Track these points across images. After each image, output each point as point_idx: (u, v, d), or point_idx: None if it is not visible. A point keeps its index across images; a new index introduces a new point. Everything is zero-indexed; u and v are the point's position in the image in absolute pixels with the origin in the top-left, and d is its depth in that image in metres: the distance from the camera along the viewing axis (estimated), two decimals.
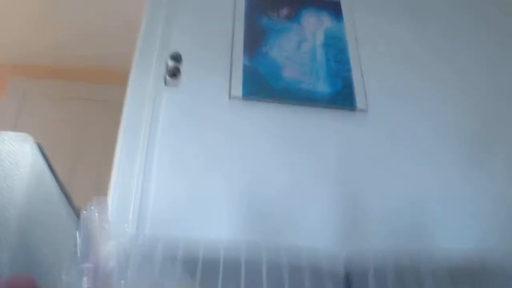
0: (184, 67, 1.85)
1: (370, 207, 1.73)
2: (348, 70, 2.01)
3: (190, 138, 1.72)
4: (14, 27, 2.97)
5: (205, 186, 1.62)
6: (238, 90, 1.83)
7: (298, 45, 2.03)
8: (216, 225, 1.55)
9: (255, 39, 2.00)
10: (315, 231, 1.64)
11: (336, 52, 2.05)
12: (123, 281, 1.24)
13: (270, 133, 1.80)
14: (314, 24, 2.13)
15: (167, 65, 1.84)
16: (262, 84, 1.87)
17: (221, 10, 2.08)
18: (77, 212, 1.27)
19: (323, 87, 1.92)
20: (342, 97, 1.92)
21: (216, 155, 1.70)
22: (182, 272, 1.37)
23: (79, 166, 2.96)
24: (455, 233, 1.70)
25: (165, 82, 1.83)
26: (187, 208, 1.57)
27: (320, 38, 2.08)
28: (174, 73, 1.82)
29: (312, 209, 1.68)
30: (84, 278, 1.20)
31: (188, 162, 1.66)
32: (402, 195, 1.77)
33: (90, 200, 1.26)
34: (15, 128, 3.12)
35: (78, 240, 1.20)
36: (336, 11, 2.19)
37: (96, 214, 1.25)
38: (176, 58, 1.84)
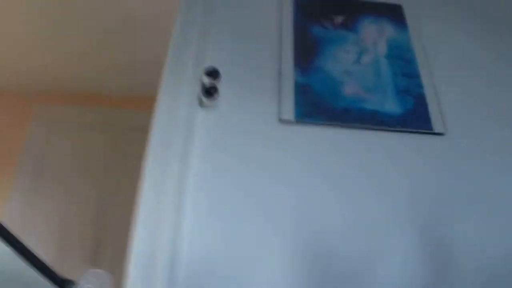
0: (222, 87, 1.55)
1: (458, 253, 1.35)
2: (419, 85, 1.66)
3: (233, 173, 1.38)
4: (40, 55, 2.79)
5: (252, 239, 1.26)
6: (289, 112, 1.49)
7: (357, 57, 1.69)
8: (267, 279, 1.20)
9: (307, 51, 1.67)
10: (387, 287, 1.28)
11: (403, 65, 1.71)
12: None
13: (329, 163, 1.45)
14: (374, 33, 1.80)
15: (201, 83, 1.54)
16: (318, 104, 1.53)
17: (264, 20, 1.76)
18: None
19: (391, 107, 1.57)
20: (414, 118, 1.57)
21: (267, 196, 1.35)
22: None
23: (109, 202, 2.74)
24: None
25: (200, 103, 1.52)
26: (228, 264, 1.22)
27: (382, 48, 1.74)
28: (210, 91, 1.51)
29: (383, 258, 1.32)
30: None
31: (230, 207, 1.31)
32: (499, 237, 1.39)
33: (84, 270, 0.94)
34: (43, 158, 2.94)
35: None
36: (398, 18, 1.86)
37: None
38: (213, 74, 1.54)
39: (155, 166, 1.37)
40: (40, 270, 0.84)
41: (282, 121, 1.50)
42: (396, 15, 1.88)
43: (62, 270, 1.15)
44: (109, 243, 2.63)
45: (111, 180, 2.80)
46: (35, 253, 0.84)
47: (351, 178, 1.44)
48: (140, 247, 1.22)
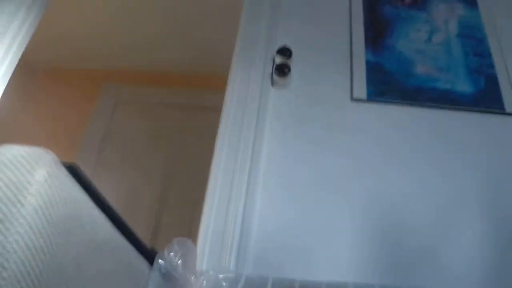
0: (294, 66, 1.58)
1: None
2: (491, 65, 1.64)
3: (304, 152, 1.42)
4: (107, 33, 2.88)
5: (323, 215, 1.30)
6: (362, 91, 1.52)
7: (428, 36, 1.68)
8: (338, 267, 1.24)
9: (378, 30, 1.68)
10: (462, 273, 1.29)
11: (475, 44, 1.69)
12: None
13: (399, 142, 1.46)
14: (444, 12, 1.78)
15: (273, 62, 1.58)
16: (390, 83, 1.55)
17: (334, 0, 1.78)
18: (150, 256, 0.98)
19: (463, 86, 1.57)
20: (486, 98, 1.55)
21: (338, 173, 1.38)
22: None
23: (174, 180, 2.81)
24: None
25: (272, 82, 1.56)
26: (298, 238, 1.27)
27: (453, 27, 1.73)
28: (282, 70, 1.55)
29: (452, 233, 1.33)
30: None
31: (301, 184, 1.35)
32: None
33: (170, 241, 0.99)
34: (106, 137, 3.03)
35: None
36: None
37: (179, 261, 0.99)
38: (285, 52, 1.57)
39: (228, 143, 1.43)
40: (128, 238, 0.88)
41: (354, 99, 1.52)
42: None
43: None
44: (171, 220, 2.69)
45: (176, 157, 2.86)
46: (124, 220, 0.88)
47: (422, 157, 1.46)
48: (212, 221, 1.28)
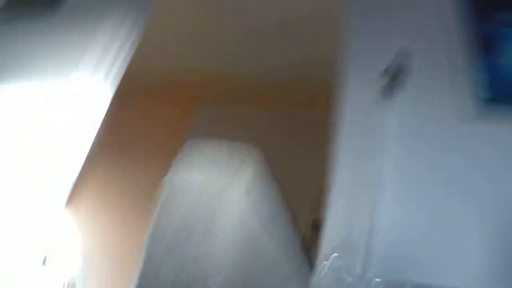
0: (403, 82, 1.62)
1: None
2: None
3: (425, 162, 1.46)
4: (205, 51, 2.98)
5: (449, 221, 1.35)
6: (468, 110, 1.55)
7: None
8: (465, 273, 1.27)
9: (482, 48, 1.70)
10: None
11: None
12: None
13: None
14: None
15: (383, 81, 1.63)
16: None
17: (439, 17, 1.81)
18: (311, 262, 1.06)
19: None
20: None
21: (462, 181, 1.41)
22: None
23: None
24: None
25: (382, 100, 1.61)
26: (426, 250, 1.31)
27: None
28: (392, 89, 1.60)
29: None
30: None
31: (424, 192, 1.41)
32: None
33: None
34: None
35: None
36: None
37: (339, 263, 1.05)
38: (394, 72, 1.62)
39: (344, 157, 1.50)
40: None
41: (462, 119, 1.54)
42: None
43: None
44: None
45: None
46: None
47: None
48: (337, 224, 1.34)
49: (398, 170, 1.45)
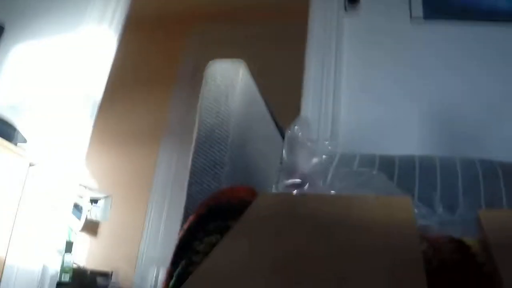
0: None
1: None
2: None
3: (376, 64, 1.83)
4: None
5: (392, 108, 1.74)
6: (419, 10, 1.87)
7: None
8: (406, 143, 1.67)
9: None
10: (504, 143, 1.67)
11: None
12: (333, 191, 1.43)
13: (458, 54, 1.83)
14: None
15: None
16: (442, 3, 1.88)
17: None
18: (281, 131, 1.48)
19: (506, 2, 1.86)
20: None
21: (401, 78, 1.79)
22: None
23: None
24: None
25: (345, 9, 1.94)
26: (376, 128, 1.71)
27: None
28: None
29: (498, 125, 1.70)
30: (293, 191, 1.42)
31: (374, 86, 1.79)
32: None
33: (293, 120, 1.46)
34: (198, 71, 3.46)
35: (285, 154, 1.41)
36: None
37: (300, 133, 1.45)
38: None
39: (314, 59, 1.86)
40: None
41: (413, 18, 1.88)
42: None
43: None
44: None
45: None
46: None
47: (474, 64, 1.81)
48: (309, 111, 1.73)
49: (353, 77, 1.82)
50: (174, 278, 0.55)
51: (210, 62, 1.28)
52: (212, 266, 0.45)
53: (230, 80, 1.26)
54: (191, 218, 0.60)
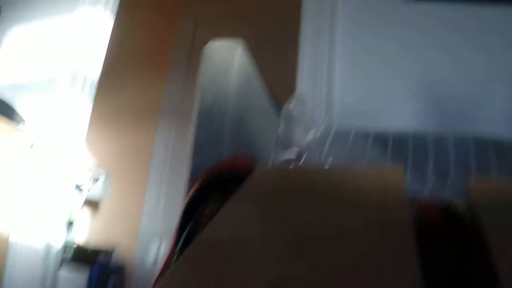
0: None
1: None
2: None
3: (368, 44, 1.87)
4: None
5: (384, 84, 1.79)
6: None
7: None
8: (399, 117, 1.72)
9: None
10: (493, 118, 1.72)
11: None
12: (331, 157, 1.49)
13: (445, 32, 1.87)
14: None
15: None
16: None
17: None
18: (278, 108, 1.53)
19: None
20: None
21: (392, 56, 1.84)
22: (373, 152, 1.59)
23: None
24: None
25: None
26: (370, 103, 1.76)
27: None
28: None
29: (488, 99, 1.74)
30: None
31: (367, 64, 1.83)
32: None
33: (289, 96, 1.51)
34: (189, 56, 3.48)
35: (281, 129, 1.46)
36: None
37: (295, 109, 1.49)
38: None
39: (309, 38, 1.89)
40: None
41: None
42: None
43: None
44: None
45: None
46: None
47: (462, 44, 1.85)
48: (304, 88, 1.77)
49: (347, 57, 1.86)
50: (181, 240, 0.59)
51: (210, 41, 1.32)
52: (217, 229, 0.49)
53: (227, 59, 1.29)
54: (196, 185, 0.64)
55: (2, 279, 2.02)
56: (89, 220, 3.08)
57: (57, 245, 2.26)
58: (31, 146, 2.19)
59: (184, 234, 0.59)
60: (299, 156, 1.51)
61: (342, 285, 0.36)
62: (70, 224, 2.62)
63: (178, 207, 0.68)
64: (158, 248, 2.87)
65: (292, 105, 1.39)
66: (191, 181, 0.91)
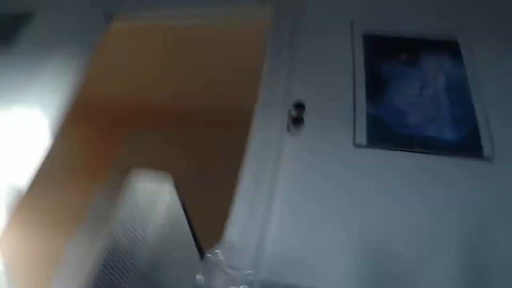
0: (307, 116, 1.91)
1: (495, 275, 1.59)
2: (473, 114, 1.94)
3: (312, 188, 1.75)
4: (135, 77, 3.23)
5: (322, 235, 1.65)
6: (362, 138, 1.85)
7: (420, 91, 2.00)
8: (331, 278, 1.55)
9: (377, 86, 2.01)
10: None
11: (459, 96, 2.00)
12: None
13: (393, 183, 1.78)
14: (434, 68, 2.10)
15: (289, 114, 1.90)
16: (387, 132, 1.87)
17: (340, 59, 2.12)
18: (203, 253, 1.34)
19: (448, 134, 1.87)
20: (468, 144, 1.85)
21: (338, 207, 1.71)
22: None
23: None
24: None
25: (288, 130, 1.89)
26: (304, 257, 1.59)
27: (441, 82, 2.04)
28: (297, 121, 1.87)
29: (431, 266, 1.61)
30: None
31: (307, 211, 1.70)
32: None
33: (218, 242, 1.34)
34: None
35: (200, 278, 1.27)
36: (455, 53, 2.15)
37: (221, 258, 1.31)
38: (299, 106, 1.90)
39: (250, 177, 1.76)
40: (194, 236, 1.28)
41: (356, 145, 1.85)
42: (453, 50, 2.16)
43: None
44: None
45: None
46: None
47: (411, 196, 1.75)
48: (234, 234, 1.60)
49: (287, 200, 1.74)
50: None
51: (134, 171, 1.15)
52: None
53: (152, 198, 1.13)
54: None
55: None
56: None
57: None
58: None
59: None
60: None
61: None
62: None
63: None
64: None
65: (216, 253, 1.22)
66: None
